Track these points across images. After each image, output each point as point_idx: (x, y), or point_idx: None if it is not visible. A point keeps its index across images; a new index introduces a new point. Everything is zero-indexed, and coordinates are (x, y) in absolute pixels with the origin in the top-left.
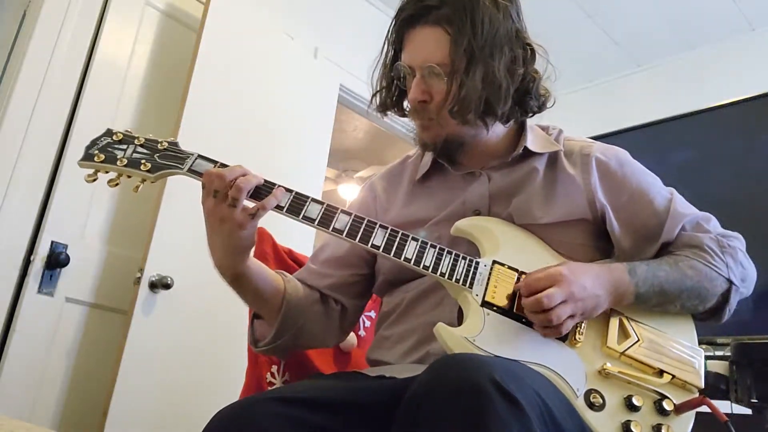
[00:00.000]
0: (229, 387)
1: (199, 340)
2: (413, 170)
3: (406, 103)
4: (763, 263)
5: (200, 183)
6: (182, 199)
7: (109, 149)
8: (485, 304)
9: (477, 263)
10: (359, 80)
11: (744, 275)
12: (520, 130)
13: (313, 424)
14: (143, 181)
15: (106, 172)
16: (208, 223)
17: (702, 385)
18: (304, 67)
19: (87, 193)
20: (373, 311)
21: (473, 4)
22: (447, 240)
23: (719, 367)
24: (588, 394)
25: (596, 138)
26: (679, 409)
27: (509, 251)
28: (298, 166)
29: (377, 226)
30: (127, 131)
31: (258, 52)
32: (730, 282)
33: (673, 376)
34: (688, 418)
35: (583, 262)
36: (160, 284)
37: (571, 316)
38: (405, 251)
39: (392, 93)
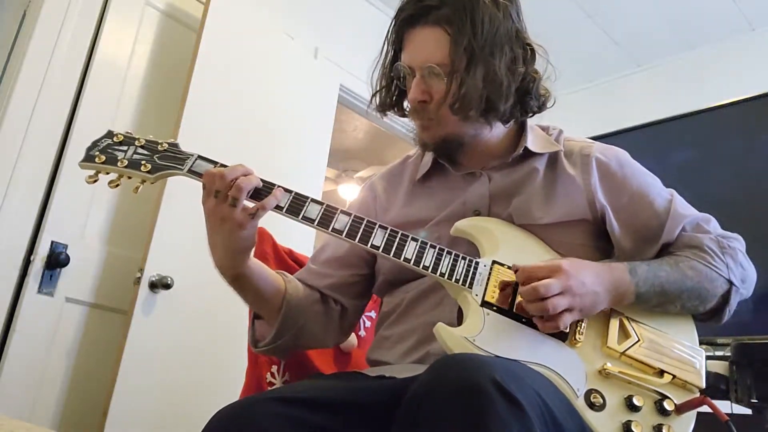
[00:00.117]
0: (229, 387)
1: (199, 340)
2: (413, 170)
3: (406, 103)
4: (762, 263)
5: (200, 184)
6: (182, 199)
7: (110, 150)
8: (485, 304)
9: (477, 263)
10: (359, 80)
11: (744, 276)
12: (521, 131)
13: (313, 424)
14: (143, 182)
15: (107, 173)
16: (208, 222)
17: (703, 385)
18: (304, 67)
19: (87, 193)
20: (373, 311)
21: (473, 4)
22: (447, 240)
23: (719, 367)
24: (588, 394)
25: (596, 138)
26: (680, 409)
27: (509, 251)
28: (298, 166)
29: (377, 226)
30: (127, 132)
31: (258, 52)
32: (731, 283)
33: (674, 376)
34: (689, 418)
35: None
36: (160, 284)
37: (569, 310)
38: (405, 251)
39: (392, 93)
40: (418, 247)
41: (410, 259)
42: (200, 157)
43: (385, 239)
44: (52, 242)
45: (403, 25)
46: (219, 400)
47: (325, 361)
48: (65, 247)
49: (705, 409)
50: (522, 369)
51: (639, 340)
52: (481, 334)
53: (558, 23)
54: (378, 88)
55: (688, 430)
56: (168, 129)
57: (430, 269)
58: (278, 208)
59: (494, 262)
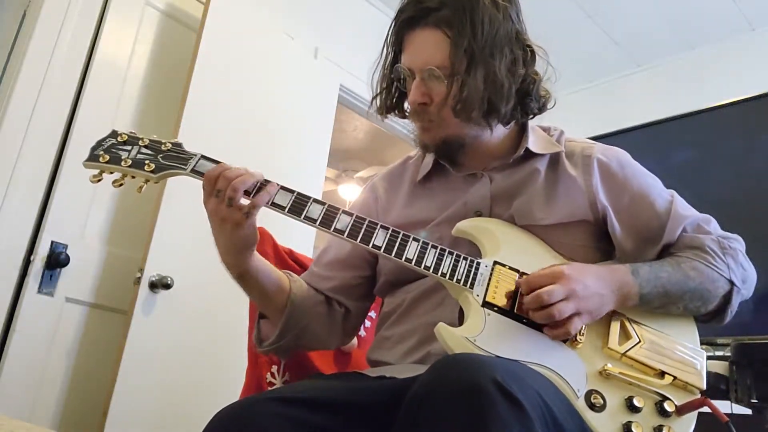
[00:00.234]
0: (229, 387)
1: (199, 340)
2: (414, 171)
3: (406, 105)
4: (763, 264)
5: (200, 183)
6: (182, 199)
7: (114, 150)
8: (486, 304)
9: (478, 264)
10: (359, 80)
11: (745, 277)
12: (522, 131)
13: (313, 425)
14: (147, 181)
15: (111, 173)
16: (211, 222)
17: (704, 386)
18: (304, 67)
19: (87, 193)
20: (373, 311)
21: (473, 6)
22: (448, 241)
23: (719, 367)
24: (589, 394)
25: (596, 138)
26: (681, 410)
27: (510, 252)
28: (298, 166)
29: (378, 226)
30: (131, 132)
31: (258, 52)
32: (732, 283)
33: (675, 378)
34: (690, 420)
35: (585, 263)
36: (160, 284)
37: (577, 314)
38: (406, 252)
39: (392, 95)
40: (419, 247)
41: (411, 260)
42: (203, 157)
43: (386, 239)
44: (52, 242)
45: (403, 27)
46: (219, 400)
47: (326, 361)
48: (65, 247)
49: (705, 409)
50: (523, 369)
51: (640, 342)
52: (482, 335)
53: (558, 23)
54: (378, 91)
55: (688, 431)
56: (168, 129)
57: (431, 269)
58: (280, 207)
59: (496, 262)
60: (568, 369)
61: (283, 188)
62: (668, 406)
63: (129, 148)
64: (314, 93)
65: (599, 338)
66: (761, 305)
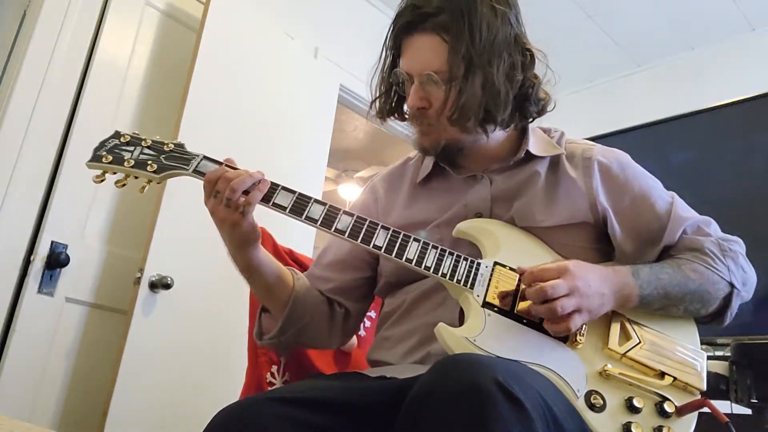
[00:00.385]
0: (229, 387)
1: (199, 340)
2: (414, 172)
3: (406, 108)
4: (763, 264)
5: (201, 183)
6: (182, 199)
7: (117, 151)
8: (486, 304)
9: (478, 264)
10: (359, 80)
11: (745, 279)
12: (522, 133)
13: (313, 425)
14: (149, 181)
15: (114, 173)
16: (213, 221)
17: (704, 387)
18: (304, 67)
19: (87, 193)
20: (373, 311)
21: (471, 11)
22: (449, 242)
23: (719, 367)
24: (588, 395)
25: (596, 138)
26: (681, 410)
27: (511, 253)
28: (298, 166)
29: (379, 227)
30: (134, 133)
31: (258, 52)
32: (732, 285)
33: (675, 378)
34: (690, 420)
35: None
36: (160, 284)
37: (578, 311)
38: (406, 252)
39: (391, 99)
40: (419, 247)
41: (412, 260)
42: (206, 158)
43: (387, 240)
44: (52, 242)
45: (401, 32)
46: (219, 400)
47: (326, 361)
48: (65, 247)
49: (705, 409)
50: (523, 369)
51: (640, 342)
52: (482, 335)
53: (558, 24)
54: (377, 94)
55: None
56: (168, 129)
57: (431, 270)
58: (282, 208)
59: (496, 263)
60: (568, 369)
61: (284, 189)
62: (668, 407)
63: (132, 148)
64: (314, 93)
65: (599, 339)
66: (761, 305)
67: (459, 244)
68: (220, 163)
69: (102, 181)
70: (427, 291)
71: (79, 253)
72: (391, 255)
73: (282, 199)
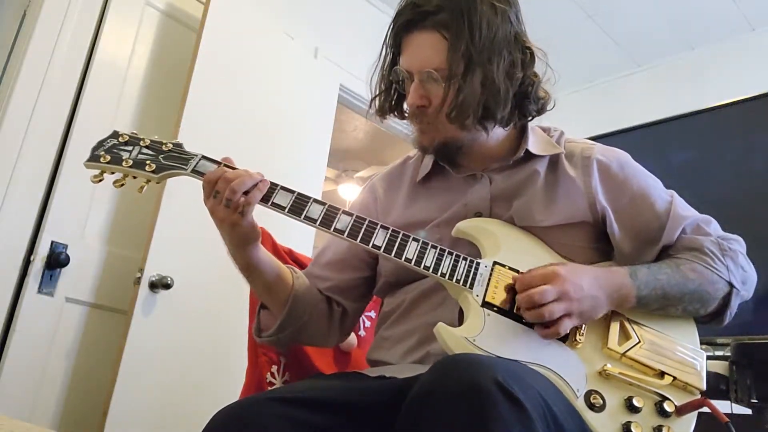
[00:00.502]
0: (229, 387)
1: (199, 340)
2: (414, 171)
3: (405, 106)
4: (763, 264)
5: (200, 183)
6: (182, 199)
7: (115, 150)
8: (485, 304)
9: (478, 264)
10: (359, 80)
11: (745, 278)
12: (522, 133)
13: (313, 424)
14: (148, 181)
15: (112, 173)
16: (213, 220)
17: (703, 386)
18: (304, 67)
19: (87, 193)
20: (373, 311)
21: (471, 9)
22: (448, 241)
23: (719, 367)
24: (588, 394)
25: (596, 138)
26: (680, 410)
27: (510, 252)
28: (298, 166)
29: (378, 226)
30: (133, 133)
31: (258, 52)
32: (731, 285)
33: (674, 378)
34: (690, 420)
35: (584, 264)
36: (160, 284)
37: (568, 315)
38: (406, 252)
39: (391, 97)
40: (419, 247)
41: (411, 260)
42: (204, 158)
43: (386, 239)
44: (52, 242)
45: (401, 30)
46: (219, 400)
47: (325, 361)
48: (65, 247)
49: (705, 409)
50: (523, 369)
51: (639, 342)
52: (482, 335)
53: (558, 23)
54: (377, 92)
55: (688, 431)
56: (168, 129)
57: (431, 269)
58: (281, 208)
59: (495, 262)
60: (568, 369)
61: (283, 188)
62: (668, 407)
63: (130, 148)
64: (314, 93)
65: (599, 338)
66: (761, 305)
67: (458, 243)
68: (218, 163)
69: (100, 181)
70: (426, 291)
71: (79, 253)
72: (390, 255)
73: (281, 198)
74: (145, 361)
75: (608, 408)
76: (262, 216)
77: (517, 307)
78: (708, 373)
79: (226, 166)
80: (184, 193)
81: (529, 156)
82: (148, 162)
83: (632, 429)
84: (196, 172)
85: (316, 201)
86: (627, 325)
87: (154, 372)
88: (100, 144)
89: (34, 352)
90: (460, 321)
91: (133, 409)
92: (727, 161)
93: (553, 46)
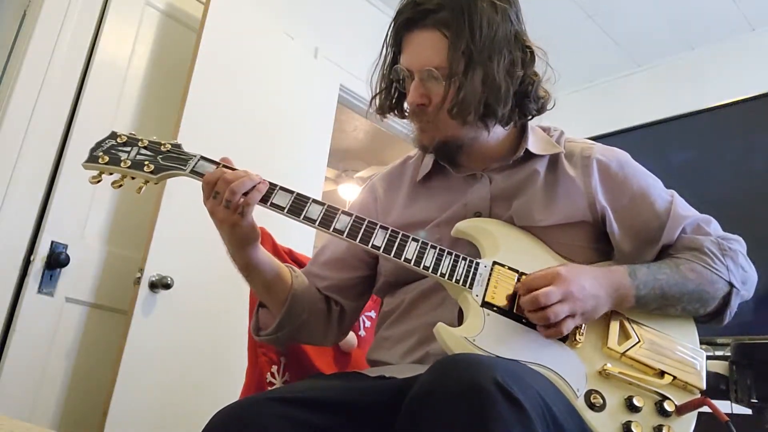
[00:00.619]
0: (229, 387)
1: (199, 340)
2: (414, 171)
3: (406, 105)
4: (763, 263)
5: (200, 184)
6: (182, 199)
7: (113, 151)
8: (485, 304)
9: (477, 264)
10: (359, 80)
11: (745, 278)
12: (521, 132)
13: (313, 425)
14: (146, 182)
15: (110, 174)
16: (213, 221)
17: (703, 386)
18: (304, 67)
19: (87, 193)
20: (373, 311)
21: (471, 8)
22: (448, 241)
23: (719, 367)
24: (588, 394)
25: (596, 138)
26: (681, 410)
27: (509, 252)
28: (298, 166)
29: (378, 227)
30: (131, 134)
31: (258, 52)
32: (731, 285)
33: (674, 377)
34: (690, 419)
35: (584, 264)
36: (160, 284)
37: (571, 316)
38: (405, 252)
39: (392, 96)
40: (418, 247)
41: (411, 260)
42: (203, 158)
43: (385, 240)
44: (52, 242)
45: (402, 28)
46: (219, 400)
47: (325, 361)
48: (65, 247)
49: (705, 409)
50: (523, 369)
51: (639, 341)
52: (481, 335)
53: (558, 23)
54: (378, 91)
55: (688, 431)
56: (168, 129)
57: (430, 269)
58: (280, 208)
59: (495, 262)
60: (568, 369)
61: (282, 189)
62: (668, 406)
63: (128, 149)
64: (314, 93)
65: (599, 338)
66: (761, 305)
67: (458, 243)
68: (217, 164)
69: (99, 181)
70: (426, 291)
71: (79, 253)
72: (389, 255)
73: (280, 199)
74: (145, 361)
75: (608, 407)
76: (262, 216)
77: (517, 307)
78: (708, 373)
79: (224, 166)
80: (183, 194)
81: (529, 156)
82: (146, 163)
83: (632, 428)
84: (195, 173)
85: (315, 201)
86: (627, 324)
87: (154, 372)
88: (99, 145)
89: (34, 352)
90: (460, 321)
91: (133, 409)
92: (727, 161)
93: (553, 46)
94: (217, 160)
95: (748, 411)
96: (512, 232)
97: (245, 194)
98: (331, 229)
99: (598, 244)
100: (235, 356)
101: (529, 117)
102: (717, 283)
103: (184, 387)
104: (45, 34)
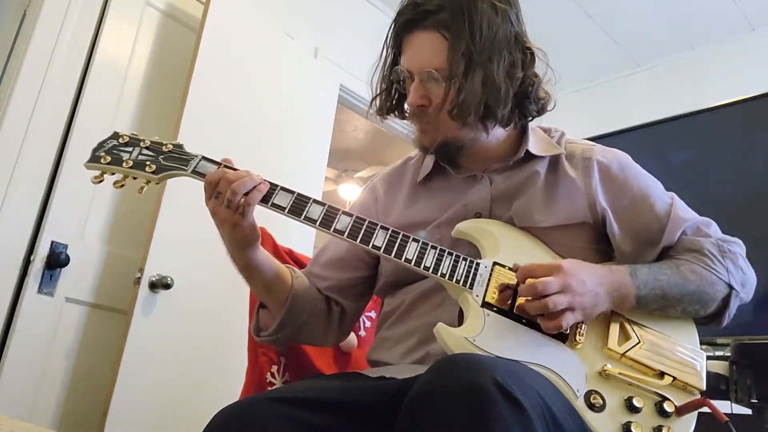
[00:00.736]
0: (229, 387)
1: (199, 340)
2: (415, 172)
3: (406, 106)
4: (763, 264)
5: (201, 183)
6: (182, 199)
7: (115, 151)
8: (485, 304)
9: (477, 264)
10: (359, 80)
11: (744, 280)
12: (522, 133)
13: (313, 425)
14: (148, 182)
15: (112, 174)
16: (214, 221)
17: (703, 387)
18: (304, 67)
19: (87, 193)
20: (373, 311)
21: (471, 9)
22: (448, 242)
23: (719, 367)
24: (588, 395)
25: (596, 138)
26: (680, 410)
27: (510, 253)
28: (298, 167)
29: (378, 227)
30: (133, 134)
31: (258, 52)
32: (731, 287)
33: (674, 378)
34: (690, 420)
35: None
36: (160, 284)
37: (570, 310)
38: (406, 252)
39: (392, 97)
40: (419, 248)
41: (411, 260)
42: (204, 158)
43: (386, 240)
44: (52, 242)
45: (402, 30)
46: (219, 400)
47: (326, 361)
48: (65, 247)
49: (705, 409)
50: (523, 369)
51: (639, 342)
52: (482, 335)
53: (558, 23)
54: (378, 92)
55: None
56: (168, 129)
57: (430, 270)
58: (281, 208)
59: (495, 263)
60: (568, 369)
61: (283, 189)
62: (668, 407)
63: (130, 149)
64: (314, 93)
65: (599, 339)
66: (761, 305)
67: (458, 244)
68: (218, 164)
69: (100, 181)
70: (426, 291)
71: (79, 253)
72: (390, 255)
73: (281, 199)
74: (145, 361)
75: (608, 408)
76: (262, 216)
77: (518, 308)
78: (708, 373)
79: (226, 167)
80: (184, 194)
81: (530, 156)
82: (148, 163)
83: (632, 429)
84: (197, 173)
85: (316, 201)
86: (627, 325)
87: (154, 372)
88: (101, 145)
89: (34, 352)
90: (460, 321)
91: (133, 409)
92: (727, 161)
93: (553, 46)
94: (219, 160)
95: (748, 411)
96: (513, 232)
97: (246, 194)
98: (332, 229)
99: (598, 245)
100: (235, 356)
101: (530, 118)
102: (717, 285)
103: (184, 387)
104: (45, 34)
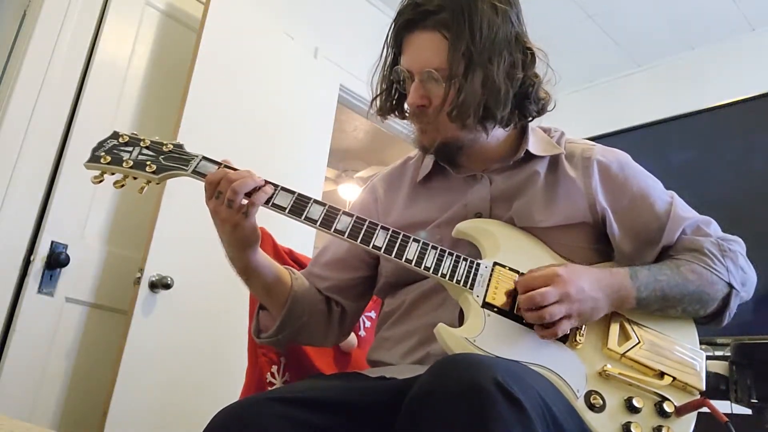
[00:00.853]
0: (229, 387)
1: (199, 340)
2: (414, 172)
3: (406, 106)
4: (763, 263)
5: (201, 183)
6: (182, 199)
7: (115, 151)
8: (486, 305)
9: (478, 264)
10: (359, 80)
11: (744, 279)
12: (522, 133)
13: (313, 425)
14: (148, 182)
15: (112, 174)
16: (214, 221)
17: (703, 387)
18: (304, 67)
19: (87, 193)
20: (373, 311)
21: (471, 9)
22: (448, 242)
23: (719, 367)
24: (588, 395)
25: (596, 138)
26: (680, 410)
27: (510, 253)
28: (298, 167)
29: (378, 227)
30: (133, 134)
31: (258, 52)
32: (731, 286)
33: (674, 378)
34: (689, 420)
35: (584, 264)
36: (160, 284)
37: (567, 317)
38: (406, 252)
39: (392, 97)
40: (419, 248)
41: (411, 260)
42: (205, 158)
43: (386, 240)
44: (52, 242)
45: (402, 30)
46: (219, 400)
47: (326, 361)
48: (65, 247)
49: (705, 409)
50: (523, 369)
51: (639, 342)
52: (482, 335)
53: (558, 23)
54: (378, 92)
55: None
56: (168, 129)
57: (431, 270)
58: (281, 208)
59: (495, 263)
60: (568, 369)
61: (283, 189)
62: (667, 407)
63: (130, 149)
64: (314, 93)
65: (599, 339)
66: (761, 305)
67: (459, 244)
68: (219, 164)
69: (100, 181)
70: (426, 291)
71: (79, 253)
72: (390, 255)
73: (281, 199)
74: (145, 361)
75: (608, 408)
76: (262, 216)
77: (518, 308)
78: (708, 373)
79: (226, 167)
80: (184, 194)
81: (530, 156)
82: (148, 163)
83: (632, 429)
84: (197, 173)
85: (316, 202)
86: (627, 325)
87: (154, 372)
88: (101, 145)
89: (34, 352)
90: (461, 322)
91: (133, 409)
92: (727, 161)
93: (553, 46)
94: (219, 161)
95: (748, 411)
96: (513, 232)
97: (249, 195)
98: (332, 229)
99: (598, 245)
100: (235, 356)
101: (530, 118)
102: (717, 284)
103: (184, 387)
104: (45, 34)
